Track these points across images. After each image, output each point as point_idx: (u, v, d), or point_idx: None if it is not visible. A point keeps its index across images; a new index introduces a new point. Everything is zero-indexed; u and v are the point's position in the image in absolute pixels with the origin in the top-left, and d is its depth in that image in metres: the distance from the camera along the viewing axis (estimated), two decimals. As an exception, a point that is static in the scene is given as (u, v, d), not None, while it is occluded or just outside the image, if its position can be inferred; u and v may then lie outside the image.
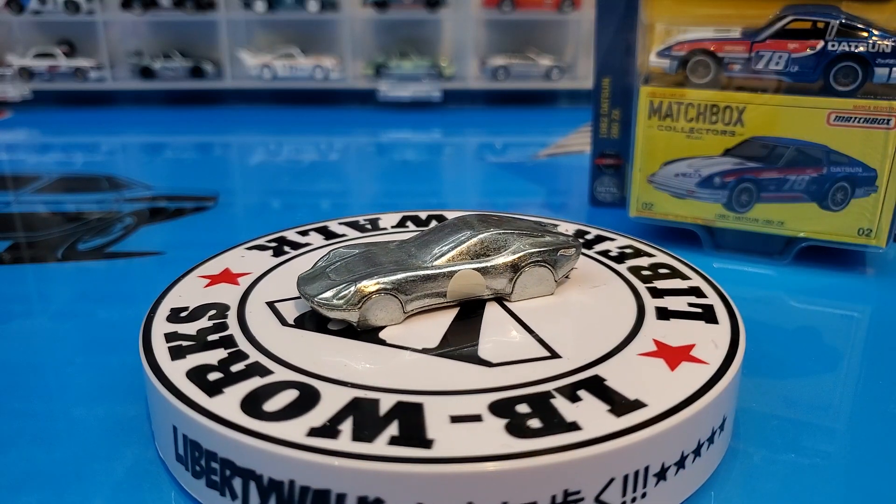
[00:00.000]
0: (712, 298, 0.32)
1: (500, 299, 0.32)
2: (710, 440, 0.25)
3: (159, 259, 0.50)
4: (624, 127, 0.57)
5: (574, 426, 0.22)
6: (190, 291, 0.34)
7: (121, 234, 0.54)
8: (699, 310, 0.30)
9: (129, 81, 1.15)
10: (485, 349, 0.28)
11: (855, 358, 0.36)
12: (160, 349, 0.28)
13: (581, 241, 0.39)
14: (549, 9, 1.13)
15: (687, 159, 0.47)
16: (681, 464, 0.24)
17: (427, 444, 0.22)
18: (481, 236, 0.31)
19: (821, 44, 0.43)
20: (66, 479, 0.27)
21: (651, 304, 0.31)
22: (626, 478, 0.22)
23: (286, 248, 0.39)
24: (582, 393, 0.24)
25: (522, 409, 0.23)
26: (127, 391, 0.32)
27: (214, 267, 0.36)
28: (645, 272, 0.35)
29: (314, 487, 0.21)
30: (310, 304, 0.29)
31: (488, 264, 0.31)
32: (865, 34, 0.42)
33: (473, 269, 0.31)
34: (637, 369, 0.26)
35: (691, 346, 0.27)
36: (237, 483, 0.23)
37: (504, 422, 0.23)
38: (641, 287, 0.33)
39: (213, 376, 0.26)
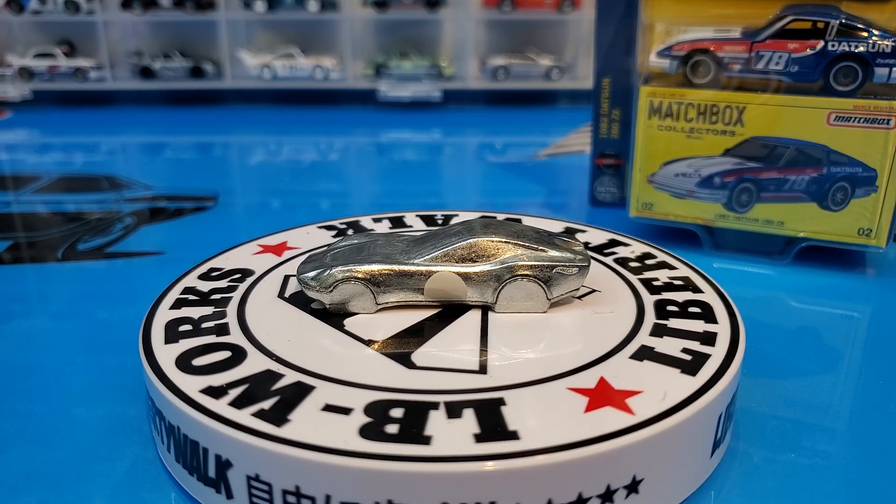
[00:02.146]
0: (719, 348, 0.28)
1: (488, 308, 0.31)
2: (608, 498, 0.22)
3: (159, 259, 0.50)
4: (624, 127, 0.57)
5: (424, 440, 0.22)
6: (238, 256, 0.37)
7: (121, 234, 0.54)
8: (688, 357, 0.27)
9: (129, 81, 1.15)
10: (423, 352, 0.27)
11: (855, 358, 0.36)
12: (167, 301, 0.32)
13: (640, 264, 0.36)
14: (549, 9, 1.13)
15: (687, 159, 0.47)
16: None
17: (280, 422, 0.23)
18: (471, 241, 0.30)
19: (821, 44, 0.43)
20: (66, 479, 0.27)
21: (640, 341, 0.28)
22: None
23: (350, 232, 0.40)
24: (467, 412, 0.23)
25: (395, 413, 0.23)
26: (127, 391, 0.32)
27: (275, 239, 0.40)
28: (671, 307, 0.31)
29: (191, 437, 0.24)
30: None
31: (471, 270, 0.30)
32: (865, 34, 0.42)
33: (453, 272, 0.30)
34: (549, 402, 0.24)
35: (636, 393, 0.25)
36: (157, 420, 0.26)
37: (366, 420, 0.23)
38: (650, 322, 0.30)
39: (183, 328, 0.29)
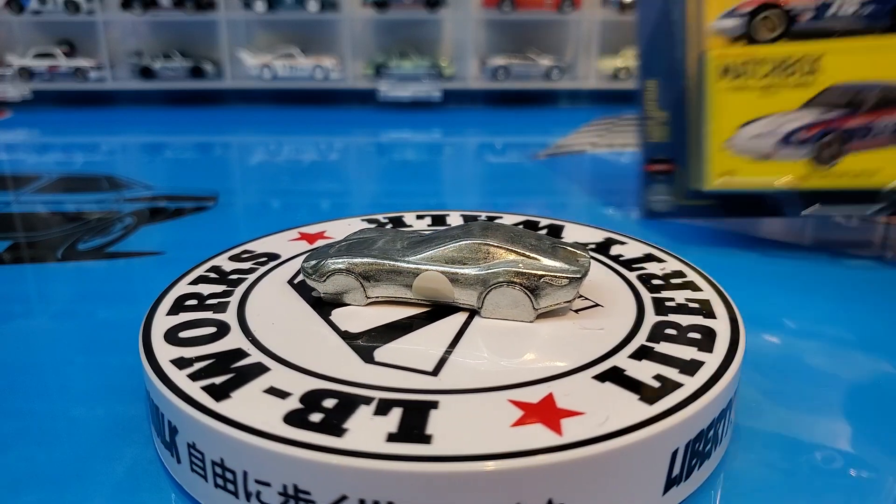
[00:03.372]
0: (696, 379, 0.25)
1: (476, 312, 0.30)
2: None
3: (159, 259, 0.50)
4: (674, 129, 0.53)
5: (339, 432, 0.22)
6: (276, 241, 0.39)
7: (121, 234, 0.54)
8: (656, 384, 0.25)
9: (129, 81, 1.15)
10: (389, 347, 0.28)
11: (856, 356, 0.36)
12: (190, 277, 0.34)
13: (663, 282, 0.34)
14: (549, 9, 1.14)
15: (764, 118, 0.44)
16: None
17: (221, 398, 0.24)
18: (462, 243, 0.30)
19: None
20: (66, 479, 0.27)
21: (615, 361, 0.27)
22: (361, 502, 0.21)
23: (389, 226, 0.41)
24: (396, 410, 0.23)
25: (327, 403, 0.24)
26: (127, 391, 0.32)
27: (316, 228, 0.41)
28: (670, 330, 0.29)
29: (154, 402, 0.26)
30: None
31: (458, 271, 0.30)
32: None
33: (440, 273, 0.30)
34: (481, 411, 0.23)
35: (577, 414, 0.23)
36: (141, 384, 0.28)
37: (297, 407, 0.23)
38: (637, 343, 0.28)
39: (189, 303, 0.31)
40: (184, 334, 0.28)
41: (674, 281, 0.34)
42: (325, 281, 0.31)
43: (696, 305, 0.31)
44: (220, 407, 0.23)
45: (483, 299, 0.30)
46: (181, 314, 0.30)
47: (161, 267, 0.49)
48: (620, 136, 0.95)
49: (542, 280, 0.29)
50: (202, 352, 0.27)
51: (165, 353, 0.27)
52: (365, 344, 0.28)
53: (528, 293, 0.29)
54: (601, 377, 0.25)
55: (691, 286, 0.34)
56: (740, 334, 0.29)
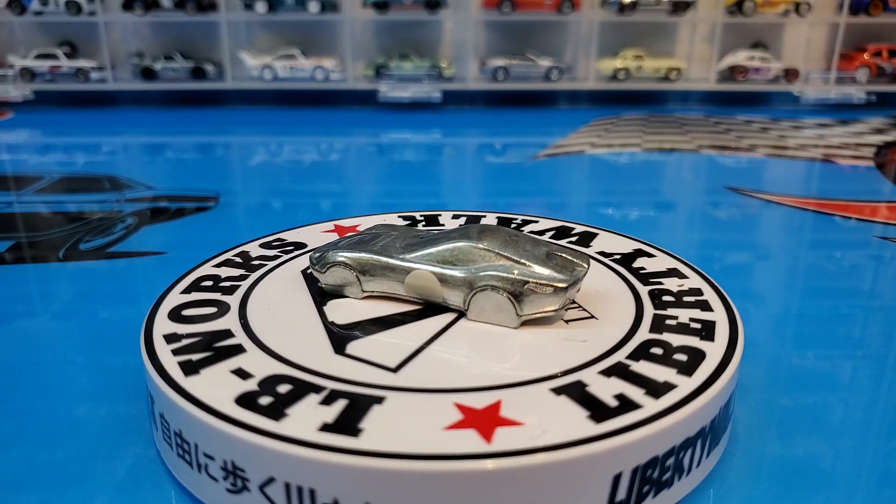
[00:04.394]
0: (661, 402, 0.24)
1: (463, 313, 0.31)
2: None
3: (161, 259, 0.50)
4: None
5: (279, 416, 0.23)
6: (308, 233, 0.41)
7: (122, 234, 0.54)
8: (615, 403, 0.24)
9: (130, 82, 1.16)
10: (365, 340, 0.28)
11: (859, 353, 0.36)
12: (217, 260, 0.36)
13: (674, 299, 0.32)
14: (549, 10, 1.14)
15: None
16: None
17: (190, 374, 0.25)
18: (456, 244, 0.30)
19: None
20: (67, 479, 0.27)
21: (582, 376, 0.26)
22: (287, 485, 0.22)
23: (419, 226, 0.42)
24: (341, 402, 0.24)
25: (281, 389, 0.25)
26: (128, 391, 0.32)
27: (350, 222, 0.43)
28: (656, 349, 0.28)
29: (144, 374, 0.27)
30: None
31: (447, 272, 0.30)
32: None
33: (429, 272, 0.30)
34: (422, 410, 0.23)
35: (514, 424, 0.23)
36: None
37: (252, 389, 0.25)
38: (615, 359, 0.27)
39: (205, 283, 0.33)
40: (186, 312, 0.30)
41: (686, 299, 0.32)
42: (325, 272, 0.32)
43: (697, 326, 0.29)
44: (186, 382, 0.25)
45: (468, 302, 0.30)
46: (193, 293, 0.32)
47: (162, 267, 0.49)
48: (620, 136, 0.95)
49: (525, 287, 0.29)
50: (194, 329, 0.29)
51: (161, 327, 0.29)
52: (343, 335, 0.28)
53: (512, 299, 0.29)
54: (559, 390, 0.25)
55: (702, 305, 0.32)
56: (732, 361, 0.27)
